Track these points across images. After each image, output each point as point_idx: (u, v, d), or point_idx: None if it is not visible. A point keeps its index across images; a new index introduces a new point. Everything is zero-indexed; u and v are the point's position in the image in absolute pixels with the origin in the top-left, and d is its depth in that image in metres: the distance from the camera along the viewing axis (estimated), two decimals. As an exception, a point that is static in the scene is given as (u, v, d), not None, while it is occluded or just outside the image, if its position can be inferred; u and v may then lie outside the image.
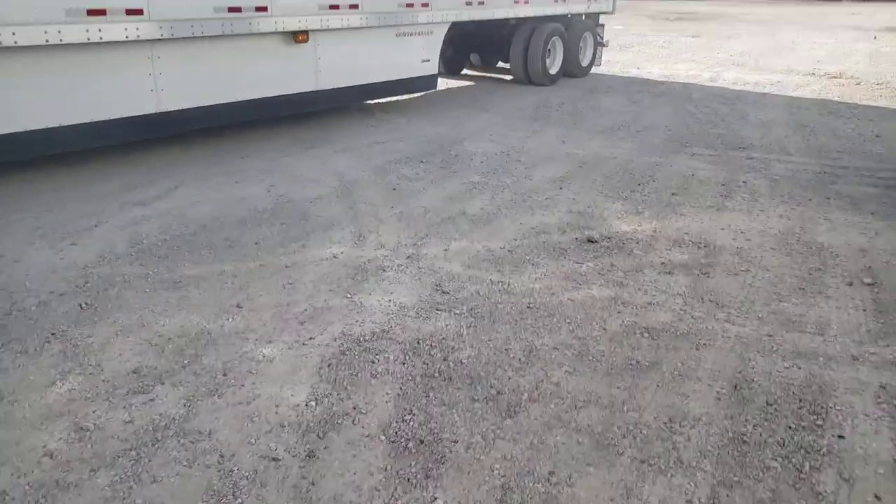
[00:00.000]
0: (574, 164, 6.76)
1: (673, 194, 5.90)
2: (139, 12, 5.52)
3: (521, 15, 10.78)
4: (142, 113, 5.91)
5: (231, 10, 6.42)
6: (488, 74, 12.76)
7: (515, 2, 10.43)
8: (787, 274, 4.34)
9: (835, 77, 13.16)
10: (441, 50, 11.92)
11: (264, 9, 6.71)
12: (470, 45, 12.22)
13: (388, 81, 8.55)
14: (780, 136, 8.19)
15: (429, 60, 9.08)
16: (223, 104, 6.68)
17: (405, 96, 9.60)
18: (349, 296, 3.85)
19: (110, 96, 5.67)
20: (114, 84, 5.68)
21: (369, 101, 9.19)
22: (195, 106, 6.42)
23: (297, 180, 5.96)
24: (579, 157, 7.06)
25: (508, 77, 11.96)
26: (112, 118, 5.71)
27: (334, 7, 7.45)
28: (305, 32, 7.25)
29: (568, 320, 3.71)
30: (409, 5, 8.42)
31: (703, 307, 3.90)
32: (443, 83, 11.59)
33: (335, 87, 7.85)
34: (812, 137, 8.12)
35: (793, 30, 24.20)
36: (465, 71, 13.06)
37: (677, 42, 19.36)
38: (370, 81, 8.29)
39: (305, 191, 5.69)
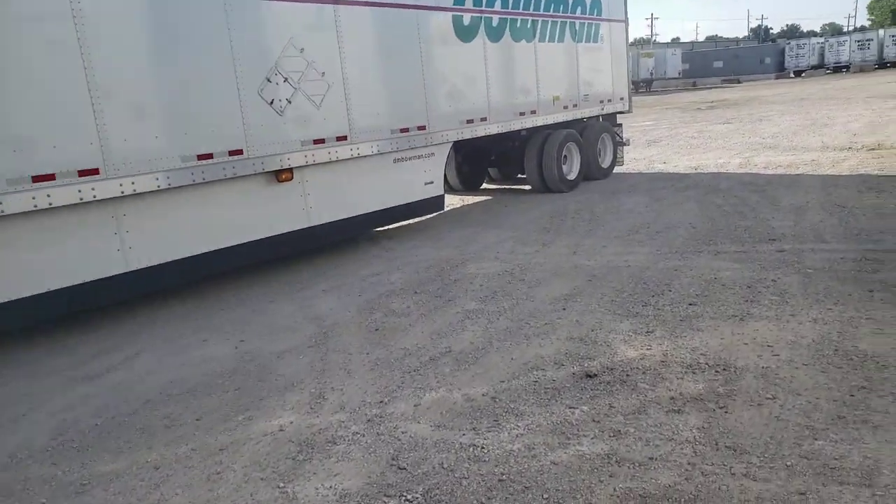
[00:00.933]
0: (582, 279, 6.13)
1: (690, 304, 5.17)
2: (94, 172, 5.37)
3: (529, 126, 10.55)
4: (110, 275, 5.65)
5: (202, 157, 6.27)
6: (508, 187, 12.46)
7: (521, 114, 10.21)
8: (822, 398, 3.53)
9: (873, 149, 12.35)
10: (455, 166, 11.98)
11: (239, 152, 6.55)
12: (486, 158, 12.02)
13: (388, 209, 8.24)
14: (815, 221, 7.40)
15: (432, 182, 8.79)
16: (202, 254, 6.41)
17: (414, 220, 9.26)
18: (282, 485, 3.21)
19: (74, 261, 5.44)
20: (76, 248, 5.46)
21: (377, 229, 8.88)
22: (169, 260, 6.15)
23: (271, 331, 5.50)
24: (589, 269, 6.43)
25: (528, 187, 11.60)
26: (77, 283, 5.44)
27: (319, 141, 7.28)
28: (289, 170, 7.05)
29: (546, 495, 2.97)
30: (404, 130, 8.24)
31: (717, 456, 3.11)
32: (458, 200, 11.32)
33: (330, 220, 7.55)
34: (850, 219, 7.31)
35: (827, 105, 23.56)
36: (484, 185, 12.82)
37: (708, 131, 18.93)
38: (369, 211, 7.99)
39: (276, 343, 5.20)
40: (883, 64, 51.04)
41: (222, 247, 6.55)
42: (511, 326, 5.09)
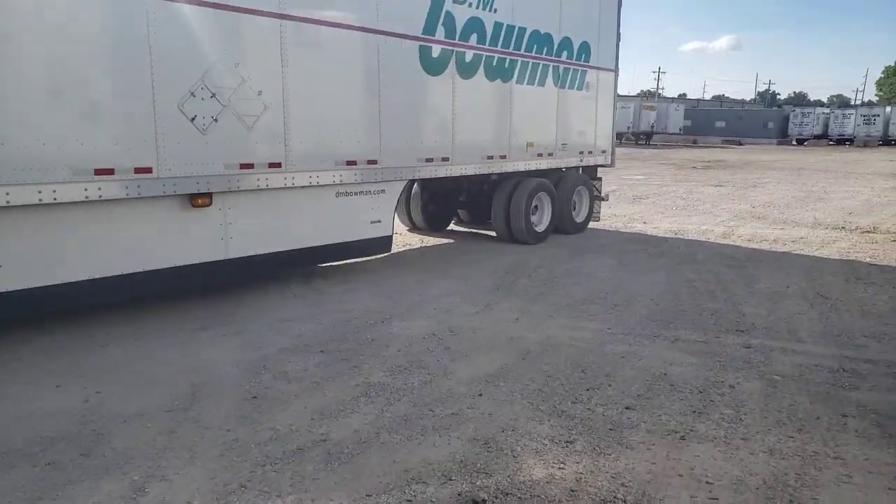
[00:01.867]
0: (516, 355, 5.31)
1: (627, 408, 4.34)
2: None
3: (498, 171, 9.81)
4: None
5: (101, 172, 5.47)
6: (476, 231, 11.68)
7: (489, 157, 9.48)
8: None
9: (867, 232, 11.66)
10: (420, 204, 11.21)
11: (147, 170, 5.76)
12: (455, 199, 11.27)
13: (325, 246, 7.43)
14: (792, 311, 6.62)
15: (379, 221, 8.00)
16: (89, 280, 5.58)
17: (361, 259, 8.44)
18: None
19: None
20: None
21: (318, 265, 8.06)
22: (49, 284, 5.32)
23: (135, 383, 4.65)
24: (527, 343, 5.61)
25: (495, 233, 10.83)
26: None
27: (247, 166, 6.50)
28: (207, 195, 6.26)
29: None
30: (351, 163, 7.47)
31: None
32: (418, 240, 10.54)
33: (252, 254, 6.74)
34: (832, 314, 6.53)
35: (825, 178, 23.04)
36: (453, 226, 12.05)
37: (698, 192, 18.29)
38: (302, 247, 7.18)
39: (132, 401, 4.35)
40: (888, 141, 50.93)
41: (118, 273, 5.73)
42: (411, 413, 4.24)
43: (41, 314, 5.71)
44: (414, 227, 11.61)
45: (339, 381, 4.74)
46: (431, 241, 10.67)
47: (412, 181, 9.80)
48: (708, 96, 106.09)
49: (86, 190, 5.38)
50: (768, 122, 58.49)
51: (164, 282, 6.12)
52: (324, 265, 8.11)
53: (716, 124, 59.37)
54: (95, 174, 5.45)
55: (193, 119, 6.03)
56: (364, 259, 8.46)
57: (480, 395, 4.54)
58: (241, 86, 6.35)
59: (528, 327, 6.06)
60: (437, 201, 11.33)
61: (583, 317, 6.44)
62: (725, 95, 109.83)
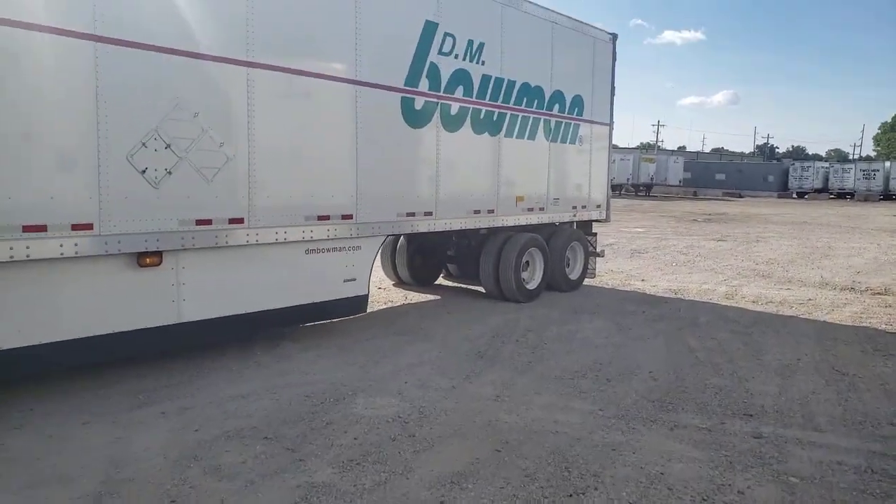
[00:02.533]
0: (490, 446, 4.63)
1: (617, 522, 3.65)
2: None
3: (486, 226, 9.25)
4: None
5: (30, 228, 4.90)
6: (465, 286, 11.07)
7: (476, 212, 8.93)
8: None
9: (879, 294, 11.02)
10: (406, 258, 10.63)
11: (87, 227, 5.19)
12: (443, 253, 10.69)
13: (293, 307, 6.80)
14: (806, 391, 5.95)
15: (354, 280, 7.40)
16: (21, 348, 4.96)
17: (337, 320, 7.80)
18: None
19: None
20: None
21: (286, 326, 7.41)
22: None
23: (39, 480, 3.97)
24: (506, 428, 4.94)
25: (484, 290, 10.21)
26: None
27: (204, 222, 5.93)
28: (156, 254, 5.67)
29: None
30: (323, 218, 6.91)
31: None
32: (402, 297, 9.91)
33: (210, 317, 6.11)
34: (852, 394, 5.86)
35: (828, 233, 22.52)
36: (441, 280, 11.44)
37: (699, 247, 17.72)
38: (266, 308, 6.56)
39: (28, 505, 3.67)
40: (888, 195, 50.67)
41: (53, 340, 5.11)
42: (358, 525, 3.56)
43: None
44: (400, 282, 11.02)
45: (277, 479, 4.05)
46: (416, 297, 10.04)
47: (396, 235, 9.29)
48: (707, 149, 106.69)
49: (11, 249, 4.80)
50: (768, 175, 58.38)
51: (107, 349, 5.49)
52: (298, 325, 7.47)
53: (716, 177, 59.28)
54: (24, 231, 4.87)
55: (144, 171, 5.48)
56: (340, 319, 7.82)
57: (442, 502, 3.86)
58: (201, 136, 5.84)
59: (509, 407, 5.39)
60: (424, 255, 10.77)
61: (572, 394, 5.77)
62: (725, 148, 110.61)
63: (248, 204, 6.24)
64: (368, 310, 8.77)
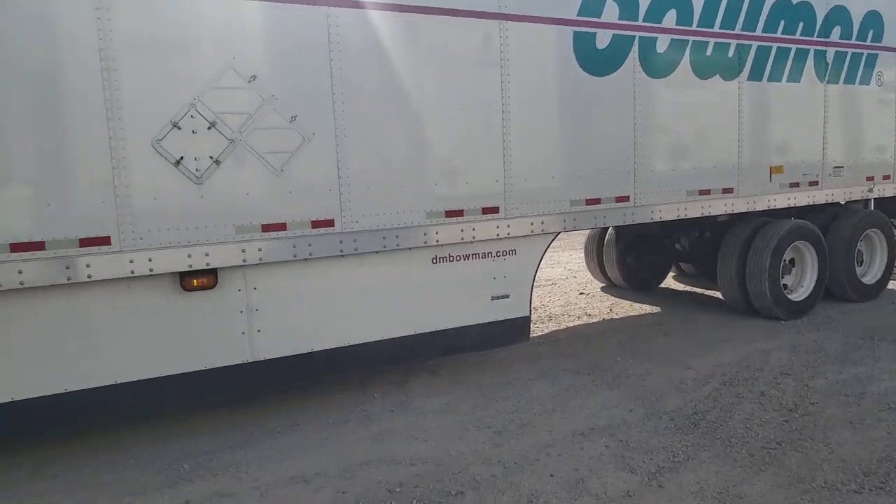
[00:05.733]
0: None
1: None
2: None
3: (722, 212, 6.44)
4: None
5: (19, 247, 3.70)
6: (702, 291, 8.29)
7: (702, 192, 6.21)
8: None
9: None
10: (616, 257, 8.22)
11: (104, 241, 3.87)
12: (668, 248, 8.06)
13: (414, 337, 4.97)
14: None
15: (507, 297, 5.31)
16: (34, 399, 3.85)
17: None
18: None
19: None
20: None
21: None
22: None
23: None
24: None
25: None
26: None
27: (275, 227, 4.34)
28: (208, 273, 4.21)
29: None
30: (454, 213, 4.94)
31: None
32: (604, 307, 7.55)
33: (293, 353, 4.56)
34: None
35: None
36: (669, 282, 8.79)
37: None
38: (374, 339, 4.83)
39: None
40: None
41: (74, 389, 3.95)
42: None
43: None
44: (611, 284, 8.62)
45: None
46: (626, 307, 7.59)
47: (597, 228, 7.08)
48: None
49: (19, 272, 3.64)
50: None
51: (149, 396, 4.20)
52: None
53: None
54: (12, 250, 3.69)
55: (179, 162, 4.03)
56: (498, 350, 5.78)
57: None
58: (262, 109, 4.24)
59: (714, 560, 2.93)
60: (640, 251, 8.22)
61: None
62: None
63: (339, 199, 4.52)
64: (546, 327, 6.64)
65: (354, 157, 4.52)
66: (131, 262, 3.95)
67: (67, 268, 3.79)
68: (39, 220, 3.74)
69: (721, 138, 6.27)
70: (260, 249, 4.30)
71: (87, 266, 3.84)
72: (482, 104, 5.00)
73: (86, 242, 3.84)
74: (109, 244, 3.90)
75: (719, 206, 6.35)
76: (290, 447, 4.21)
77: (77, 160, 3.82)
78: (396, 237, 4.72)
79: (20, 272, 3.69)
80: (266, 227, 4.32)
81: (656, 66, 5.74)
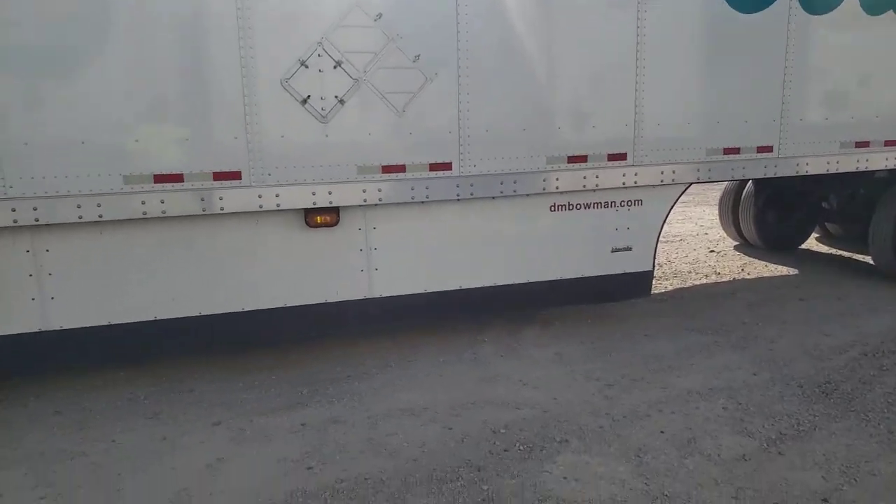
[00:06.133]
0: None
1: None
2: None
3: (883, 167, 5.78)
4: None
5: (162, 178, 3.98)
6: (848, 254, 7.59)
7: (859, 144, 5.58)
8: None
9: None
10: (753, 213, 7.67)
11: (234, 175, 4.09)
12: (814, 206, 7.43)
13: (526, 285, 4.92)
14: None
15: (629, 249, 5.11)
16: (173, 320, 4.21)
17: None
18: None
19: None
20: None
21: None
22: (93, 324, 4.10)
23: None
24: None
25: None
26: None
27: (394, 169, 4.39)
28: (331, 211, 4.35)
29: None
30: (576, 159, 4.77)
31: None
32: (735, 266, 7.12)
33: (407, 293, 4.66)
34: None
35: None
36: (811, 244, 8.12)
37: None
38: (487, 284, 4.83)
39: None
40: None
41: (193, 315, 4.26)
42: None
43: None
44: (745, 243, 8.09)
45: None
46: (760, 268, 7.09)
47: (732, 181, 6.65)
48: None
49: (143, 203, 3.95)
50: None
51: (275, 326, 4.47)
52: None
53: None
54: (155, 181, 3.98)
55: (305, 101, 4.14)
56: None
57: None
58: (386, 49, 4.24)
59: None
60: (780, 208, 7.62)
61: None
62: None
63: (458, 141, 4.49)
64: (670, 284, 6.36)
65: (476, 97, 4.44)
66: (259, 196, 4.15)
67: (202, 199, 4.05)
68: (179, 153, 4.00)
69: (890, 85, 5.57)
70: (380, 190, 4.37)
71: (220, 199, 4.07)
72: (614, 42, 4.72)
73: (219, 176, 4.07)
74: (240, 179, 4.11)
75: (879, 161, 5.70)
76: (402, 381, 4.35)
77: (213, 96, 4.01)
78: (514, 182, 4.63)
79: (162, 202, 3.98)
80: (386, 169, 4.38)
81: (817, 0, 5.15)
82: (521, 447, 3.49)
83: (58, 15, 3.68)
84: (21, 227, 3.82)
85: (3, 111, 3.67)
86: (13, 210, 3.76)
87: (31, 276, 3.96)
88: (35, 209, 3.78)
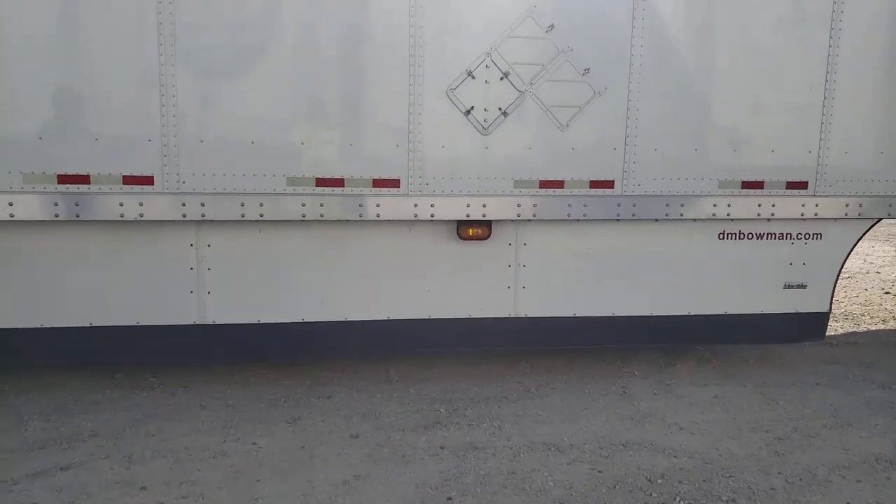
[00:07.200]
0: None
1: None
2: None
3: None
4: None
5: (323, 182, 3.98)
6: None
7: None
8: None
9: None
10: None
11: (393, 183, 4.03)
12: None
13: (683, 317, 4.54)
14: None
15: (804, 287, 4.60)
16: (320, 323, 4.23)
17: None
18: None
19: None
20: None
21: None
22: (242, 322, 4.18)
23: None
24: None
25: None
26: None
27: (551, 184, 4.18)
28: (483, 224, 4.20)
29: None
30: (751, 185, 4.35)
31: None
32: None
33: (553, 315, 4.43)
34: None
35: None
36: None
37: None
38: (640, 313, 4.50)
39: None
40: None
41: (339, 320, 4.26)
42: None
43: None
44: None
45: None
46: (947, 318, 6.26)
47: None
48: None
49: (303, 205, 3.97)
50: None
51: (414, 337, 4.39)
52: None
53: None
54: (317, 185, 3.99)
55: (469, 112, 4.02)
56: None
57: None
58: (555, 61, 4.04)
59: None
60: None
61: None
62: None
63: (623, 159, 4.21)
64: (841, 327, 5.72)
65: (645, 113, 4.15)
66: (415, 206, 4.07)
67: (360, 205, 4.02)
68: (341, 158, 3.99)
69: None
70: (535, 206, 4.17)
71: (377, 206, 4.03)
72: (802, 61, 4.27)
73: (378, 183, 4.03)
74: (398, 187, 4.05)
75: None
76: (545, 411, 4.11)
77: (378, 104, 3.99)
78: (681, 205, 4.29)
79: (321, 205, 3.99)
80: (543, 184, 4.17)
81: None
82: (682, 503, 3.16)
83: (238, 19, 3.78)
84: (188, 221, 3.95)
85: (184, 109, 3.80)
86: (183, 205, 3.88)
87: (191, 269, 4.09)
88: (203, 205, 3.89)
